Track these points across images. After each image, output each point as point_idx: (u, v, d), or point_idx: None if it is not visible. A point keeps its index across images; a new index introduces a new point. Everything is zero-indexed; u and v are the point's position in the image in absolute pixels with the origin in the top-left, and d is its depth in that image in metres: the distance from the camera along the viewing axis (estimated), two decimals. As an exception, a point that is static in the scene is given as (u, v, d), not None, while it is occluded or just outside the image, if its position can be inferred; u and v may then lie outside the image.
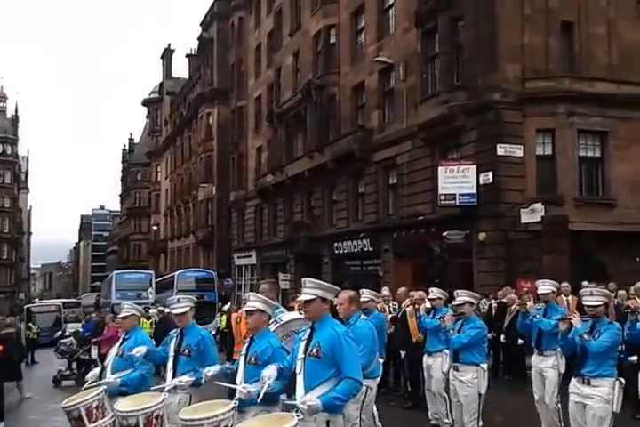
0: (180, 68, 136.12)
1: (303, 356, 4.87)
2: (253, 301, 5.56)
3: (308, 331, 5.02)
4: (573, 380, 6.54)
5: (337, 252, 29.70)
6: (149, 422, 5.73)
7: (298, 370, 4.84)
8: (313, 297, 4.99)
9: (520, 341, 12.90)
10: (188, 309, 6.66)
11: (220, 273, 41.00)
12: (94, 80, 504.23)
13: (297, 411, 4.50)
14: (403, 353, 11.73)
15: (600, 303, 6.45)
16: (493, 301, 15.86)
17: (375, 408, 8.14)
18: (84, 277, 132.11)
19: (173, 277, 35.71)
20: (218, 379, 5.74)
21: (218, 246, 49.08)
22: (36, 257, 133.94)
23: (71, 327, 27.22)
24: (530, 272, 18.09)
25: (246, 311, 5.55)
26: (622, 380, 6.33)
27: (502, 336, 14.32)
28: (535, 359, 8.51)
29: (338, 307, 6.62)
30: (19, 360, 16.27)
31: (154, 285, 35.68)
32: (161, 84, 73.10)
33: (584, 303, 6.73)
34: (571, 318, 6.87)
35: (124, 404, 5.95)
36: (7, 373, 13.38)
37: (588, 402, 6.31)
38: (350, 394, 4.70)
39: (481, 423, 7.63)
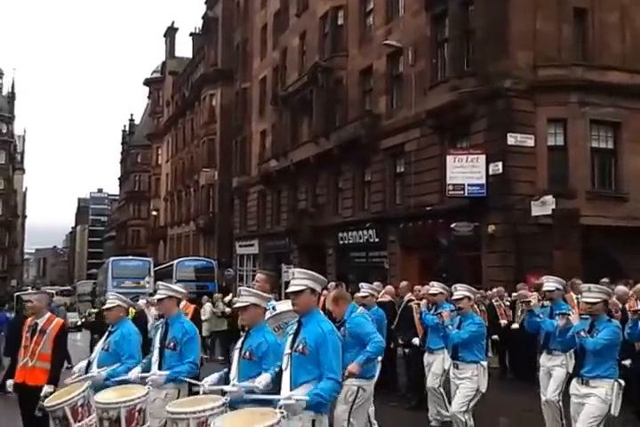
0: (184, 48, 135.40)
1: (290, 351, 4.82)
2: (245, 295, 5.38)
3: (296, 325, 4.96)
4: (573, 381, 6.49)
5: (342, 242, 29.25)
6: (132, 415, 5.55)
7: (284, 366, 4.80)
8: (303, 288, 4.91)
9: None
10: (165, 296, 6.42)
11: (221, 262, 40.45)
12: (95, 58, 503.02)
13: (281, 408, 4.38)
14: (406, 351, 11.59)
15: (598, 300, 6.32)
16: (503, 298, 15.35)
17: (373, 407, 8.05)
18: (79, 263, 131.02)
19: (172, 265, 35.31)
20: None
21: (219, 234, 48.43)
22: (30, 241, 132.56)
23: (71, 317, 26.67)
24: (540, 267, 17.60)
25: (240, 307, 5.38)
26: (622, 381, 6.18)
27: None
28: (543, 359, 8.41)
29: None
30: None
31: (152, 273, 35.15)
32: (163, 64, 72.23)
33: (582, 300, 6.67)
34: (569, 315, 6.82)
35: (105, 395, 5.74)
36: None
37: (585, 401, 6.20)
38: (332, 394, 4.67)
39: (470, 418, 7.48)
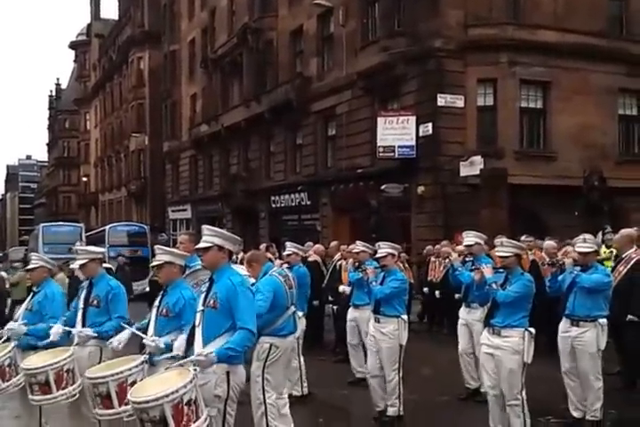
0: (110, 9, 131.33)
1: (202, 308, 4.81)
2: (160, 254, 5.48)
3: (208, 282, 4.96)
4: (484, 331, 6.54)
5: (274, 206, 29.16)
6: (60, 376, 5.67)
7: (197, 322, 4.79)
8: (209, 245, 4.90)
9: (457, 295, 12.62)
10: (86, 260, 6.34)
11: (154, 227, 39.93)
12: (18, 20, 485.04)
13: (194, 365, 4.43)
14: (335, 308, 11.89)
15: (510, 254, 6.41)
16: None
17: (302, 362, 8.37)
18: (11, 230, 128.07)
19: (104, 231, 34.52)
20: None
21: (151, 200, 47.81)
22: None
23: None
24: (468, 226, 17.69)
25: (156, 266, 5.47)
26: (532, 330, 6.26)
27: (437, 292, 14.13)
28: (463, 312, 8.55)
29: None
30: None
31: (84, 238, 34.47)
32: (89, 26, 70.16)
33: (496, 254, 6.81)
34: (481, 269, 6.88)
35: (31, 361, 5.88)
36: None
37: (497, 353, 6.28)
38: (244, 345, 4.67)
39: (401, 374, 7.53)
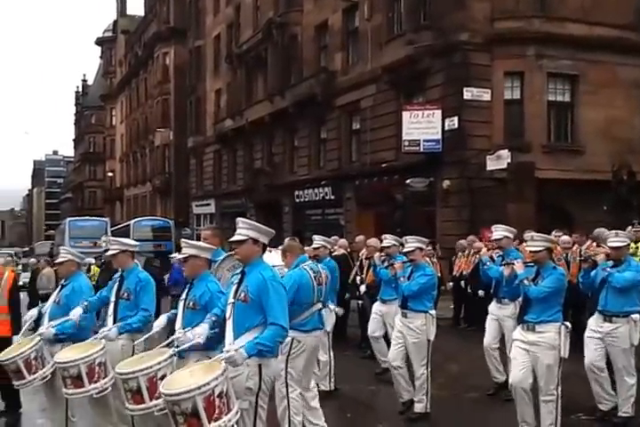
0: (136, 5, 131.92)
1: (233, 301, 4.84)
2: (185, 247, 5.51)
3: (239, 275, 4.98)
4: (518, 327, 6.46)
5: (298, 200, 29.12)
6: (92, 369, 5.70)
7: (227, 315, 4.83)
8: (244, 238, 4.91)
9: (480, 292, 12.57)
10: (117, 251, 6.41)
11: (178, 222, 40.23)
12: (45, 16, 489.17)
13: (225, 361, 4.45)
14: (359, 302, 11.91)
15: (541, 248, 6.33)
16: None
17: (332, 357, 8.37)
18: (38, 225, 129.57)
19: (129, 225, 34.83)
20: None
21: (175, 194, 48.03)
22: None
23: (24, 277, 26.20)
24: (494, 221, 17.54)
25: (182, 259, 5.54)
26: (568, 324, 6.18)
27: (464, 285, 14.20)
28: (493, 307, 8.42)
29: None
30: None
31: (109, 233, 34.79)
32: (115, 22, 70.62)
33: (526, 249, 6.76)
34: (513, 264, 6.80)
35: (63, 355, 5.88)
36: None
37: (533, 349, 6.18)
38: (275, 340, 4.66)
39: (429, 369, 7.47)
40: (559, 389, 6.16)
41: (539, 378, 6.20)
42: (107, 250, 19.97)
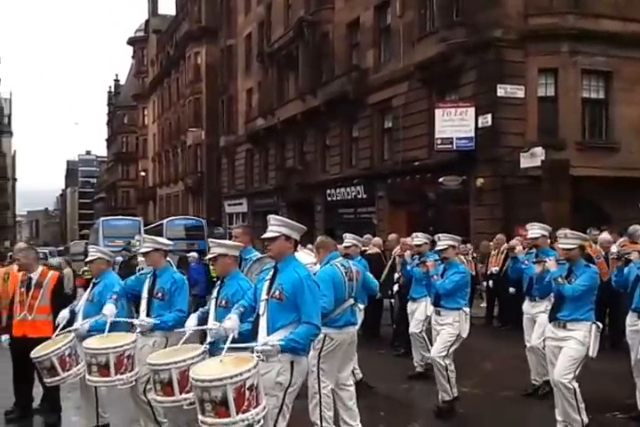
0: (167, 5, 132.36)
1: (266, 297, 4.83)
2: (213, 246, 5.56)
3: (272, 271, 4.96)
4: (549, 325, 6.45)
5: (330, 199, 29.13)
6: (120, 361, 5.69)
7: (261, 312, 4.82)
8: (277, 234, 4.90)
9: (511, 289, 12.64)
10: (151, 249, 6.41)
11: (210, 221, 40.44)
12: (78, 18, 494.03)
13: (258, 353, 4.49)
14: (392, 301, 11.94)
15: (574, 246, 6.33)
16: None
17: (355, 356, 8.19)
18: (71, 224, 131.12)
19: (162, 224, 35.08)
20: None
21: (208, 194, 48.33)
22: (21, 204, 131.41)
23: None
24: (529, 219, 17.39)
25: (210, 259, 5.58)
26: (599, 324, 6.19)
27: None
28: (527, 306, 8.35)
29: None
30: None
31: (142, 232, 35.12)
32: (147, 22, 71.01)
33: (559, 246, 6.64)
34: (545, 261, 6.77)
35: (93, 341, 5.89)
36: None
37: (562, 344, 6.22)
38: (307, 338, 4.71)
39: (451, 363, 7.46)
40: (574, 382, 6.11)
41: (557, 364, 6.17)
42: (124, 249, 20.02)
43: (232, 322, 4.83)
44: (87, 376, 5.85)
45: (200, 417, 4.31)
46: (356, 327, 7.17)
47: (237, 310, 4.96)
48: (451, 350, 7.50)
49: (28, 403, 7.61)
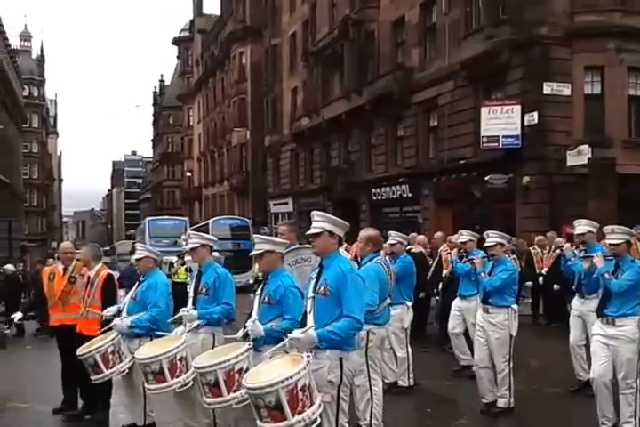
0: (212, 5, 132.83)
1: (313, 295, 4.84)
2: (259, 243, 5.50)
3: (318, 269, 4.96)
4: (597, 321, 6.48)
5: (375, 198, 29.15)
6: (173, 364, 5.77)
7: (308, 309, 4.83)
8: (320, 230, 4.92)
9: (556, 286, 12.84)
10: (198, 244, 6.48)
11: (256, 221, 40.57)
12: (123, 18, 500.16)
13: (308, 352, 4.52)
14: (437, 299, 12.18)
15: (621, 241, 6.32)
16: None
17: (410, 352, 8.51)
18: (117, 225, 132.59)
19: (208, 224, 35.34)
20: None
21: (253, 193, 48.52)
22: (67, 205, 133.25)
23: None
24: (575, 217, 17.28)
25: (256, 255, 5.49)
26: None
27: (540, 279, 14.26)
28: (576, 302, 8.33)
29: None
30: None
31: (189, 232, 35.47)
32: (192, 22, 71.36)
33: (606, 242, 6.62)
34: (592, 257, 6.82)
35: (144, 351, 5.97)
36: None
37: (612, 343, 6.23)
38: (348, 332, 4.63)
39: (511, 364, 7.48)
40: (638, 381, 6.18)
41: (617, 371, 6.22)
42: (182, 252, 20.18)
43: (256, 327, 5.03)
44: (146, 385, 5.95)
45: (258, 423, 4.38)
46: (401, 327, 7.66)
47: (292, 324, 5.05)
48: (510, 353, 7.51)
49: (76, 401, 7.80)
